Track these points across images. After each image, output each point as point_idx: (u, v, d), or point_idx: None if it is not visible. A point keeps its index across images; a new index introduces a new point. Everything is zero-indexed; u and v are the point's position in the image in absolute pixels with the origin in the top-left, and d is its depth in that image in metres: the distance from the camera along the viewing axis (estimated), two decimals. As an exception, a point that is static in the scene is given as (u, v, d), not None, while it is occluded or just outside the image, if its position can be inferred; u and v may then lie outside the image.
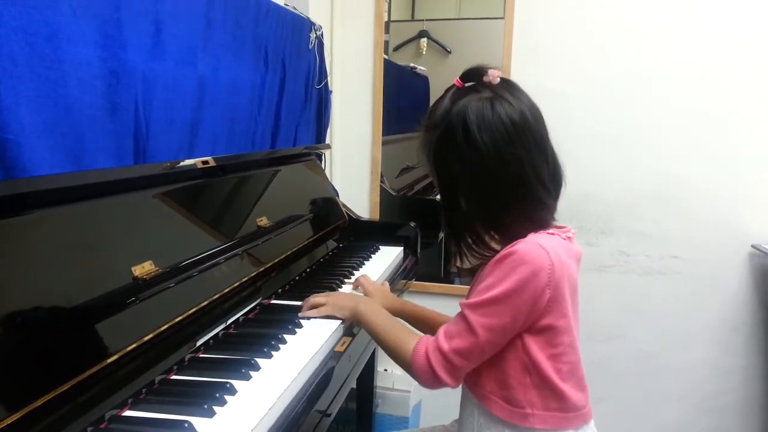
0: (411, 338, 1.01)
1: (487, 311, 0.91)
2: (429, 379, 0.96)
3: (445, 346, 0.94)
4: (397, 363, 1.03)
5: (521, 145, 0.94)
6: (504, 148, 0.93)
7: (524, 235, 0.94)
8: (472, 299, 0.94)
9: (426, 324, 1.24)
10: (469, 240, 1.01)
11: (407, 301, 1.31)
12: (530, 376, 0.94)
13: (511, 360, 0.94)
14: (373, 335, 1.09)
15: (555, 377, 0.94)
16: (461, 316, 0.95)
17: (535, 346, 0.93)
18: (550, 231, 0.97)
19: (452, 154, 0.97)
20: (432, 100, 2.56)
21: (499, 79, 0.98)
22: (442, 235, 2.29)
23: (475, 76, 0.99)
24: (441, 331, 0.97)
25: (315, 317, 1.16)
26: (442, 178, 1.01)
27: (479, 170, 0.95)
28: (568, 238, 0.99)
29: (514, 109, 0.94)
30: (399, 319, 1.18)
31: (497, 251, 0.98)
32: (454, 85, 1.01)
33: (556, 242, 0.94)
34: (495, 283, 0.91)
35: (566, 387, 0.95)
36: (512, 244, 0.92)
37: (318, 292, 1.29)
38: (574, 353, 0.97)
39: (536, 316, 0.91)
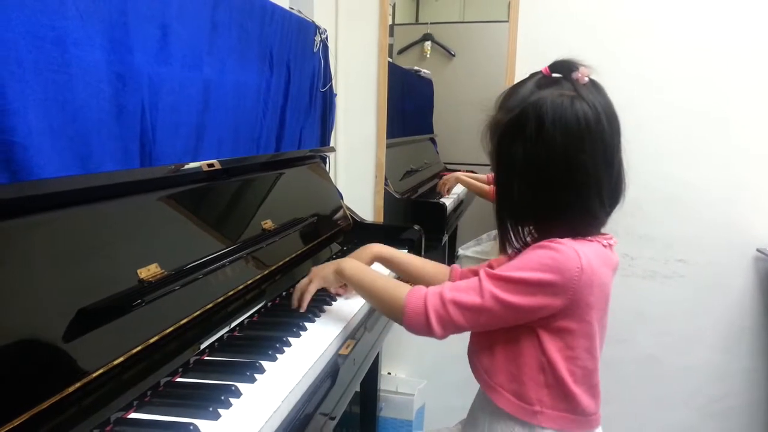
0: (404, 286, 1.02)
1: (502, 285, 0.92)
2: (418, 321, 0.96)
3: (448, 294, 0.94)
4: (386, 308, 1.03)
5: (590, 152, 0.91)
6: (573, 151, 0.91)
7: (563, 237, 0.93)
8: (494, 271, 0.94)
9: (405, 270, 1.25)
10: (509, 227, 0.99)
11: (394, 249, 1.29)
12: (544, 375, 0.94)
13: (528, 357, 0.95)
14: (360, 288, 1.09)
15: (569, 379, 0.94)
16: (476, 278, 0.95)
17: (552, 346, 0.93)
18: (590, 238, 0.95)
19: (519, 142, 0.94)
20: (436, 103, 2.58)
21: (587, 80, 0.95)
22: (446, 238, 2.29)
23: (564, 69, 0.97)
24: (447, 282, 0.98)
25: (307, 300, 1.18)
26: (503, 162, 0.99)
27: (542, 166, 0.93)
28: (609, 245, 0.97)
29: (593, 113, 0.92)
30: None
31: (528, 244, 0.99)
32: (540, 71, 0.98)
33: (593, 250, 0.93)
34: (521, 266, 0.92)
35: (578, 391, 0.95)
36: (552, 240, 0.92)
37: (323, 295, 1.29)
38: (591, 360, 0.96)
39: (549, 315, 0.92)
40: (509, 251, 1.02)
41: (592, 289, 0.91)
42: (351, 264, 1.14)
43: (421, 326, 0.96)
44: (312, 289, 1.18)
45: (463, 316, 0.94)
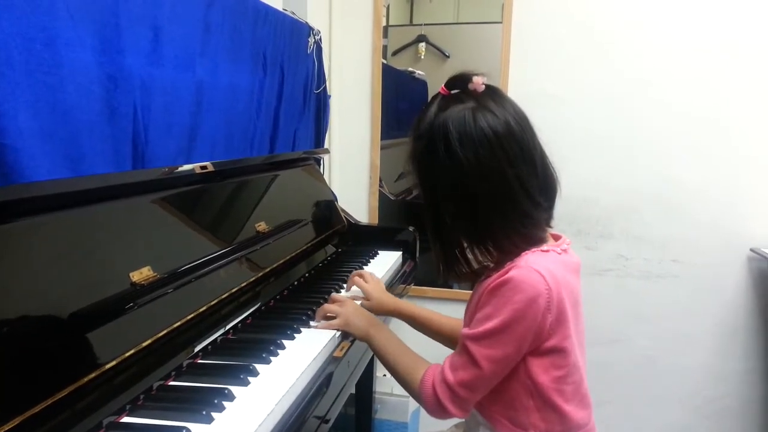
0: (419, 367, 0.99)
1: (488, 343, 0.90)
2: (437, 410, 0.96)
3: (451, 378, 0.93)
4: (405, 390, 1.03)
5: (505, 158, 0.89)
6: (486, 161, 0.89)
7: (517, 252, 0.92)
8: (473, 330, 0.92)
9: (424, 326, 1.24)
10: (457, 255, 0.97)
11: (403, 302, 1.30)
12: (533, 399, 0.93)
13: (514, 383, 0.93)
14: (382, 360, 1.08)
15: (559, 399, 0.93)
16: (464, 347, 0.93)
17: (538, 369, 0.92)
18: (544, 248, 0.93)
19: (435, 167, 0.93)
20: (430, 105, 2.55)
21: (483, 87, 0.94)
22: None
23: (460, 83, 0.96)
24: (446, 362, 0.96)
25: (325, 329, 1.14)
26: (427, 191, 0.97)
27: (462, 185, 0.91)
28: (564, 250, 0.96)
29: (498, 120, 0.90)
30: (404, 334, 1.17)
31: (486, 266, 0.97)
32: (439, 93, 0.98)
33: (551, 260, 0.92)
34: (493, 313, 0.89)
35: (570, 408, 0.94)
36: (506, 269, 0.90)
37: (317, 298, 1.30)
38: (578, 371, 0.95)
39: (541, 340, 0.90)
40: (456, 278, 1.01)
41: (563, 300, 0.89)
42: (379, 335, 1.09)
43: (443, 416, 0.96)
44: (334, 325, 1.13)
45: (474, 392, 0.93)
